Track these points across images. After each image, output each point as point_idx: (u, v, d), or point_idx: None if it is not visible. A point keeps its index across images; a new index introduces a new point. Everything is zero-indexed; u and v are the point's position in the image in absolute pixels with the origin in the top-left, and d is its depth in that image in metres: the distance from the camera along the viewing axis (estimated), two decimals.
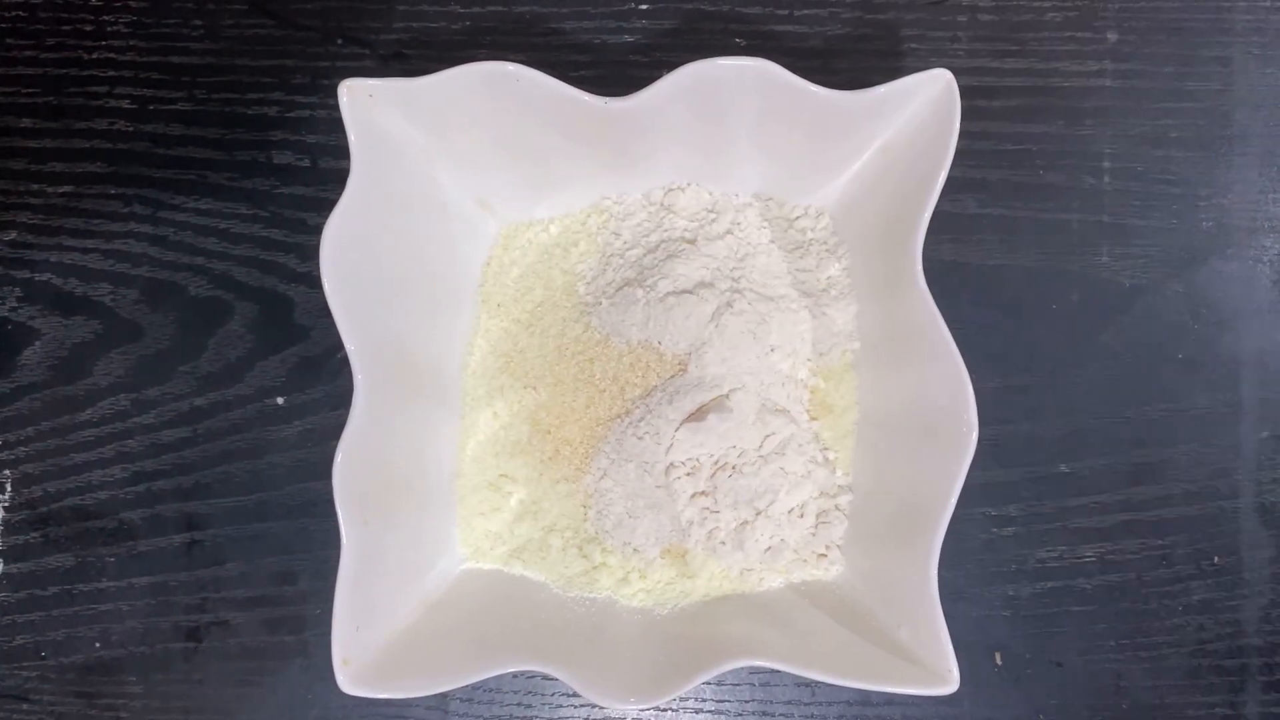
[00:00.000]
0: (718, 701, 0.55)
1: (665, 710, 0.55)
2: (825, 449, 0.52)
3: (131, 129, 0.57)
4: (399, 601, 0.47)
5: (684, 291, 0.51)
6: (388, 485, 0.46)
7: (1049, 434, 0.55)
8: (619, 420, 0.51)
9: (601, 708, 0.54)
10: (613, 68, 0.56)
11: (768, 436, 0.51)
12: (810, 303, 0.52)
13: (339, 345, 0.44)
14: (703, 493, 0.51)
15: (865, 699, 0.54)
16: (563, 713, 0.55)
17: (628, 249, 0.53)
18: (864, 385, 0.52)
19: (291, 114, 0.56)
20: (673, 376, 0.52)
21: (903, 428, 0.49)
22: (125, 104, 0.57)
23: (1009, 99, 0.56)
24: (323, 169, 0.56)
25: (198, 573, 0.55)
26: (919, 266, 0.45)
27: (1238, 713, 0.54)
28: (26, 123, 0.57)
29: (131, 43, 0.57)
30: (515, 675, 0.55)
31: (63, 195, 0.56)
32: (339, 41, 0.56)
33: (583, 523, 0.52)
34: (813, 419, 0.52)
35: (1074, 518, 0.55)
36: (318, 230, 0.43)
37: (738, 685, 0.55)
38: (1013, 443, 0.55)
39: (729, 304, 0.51)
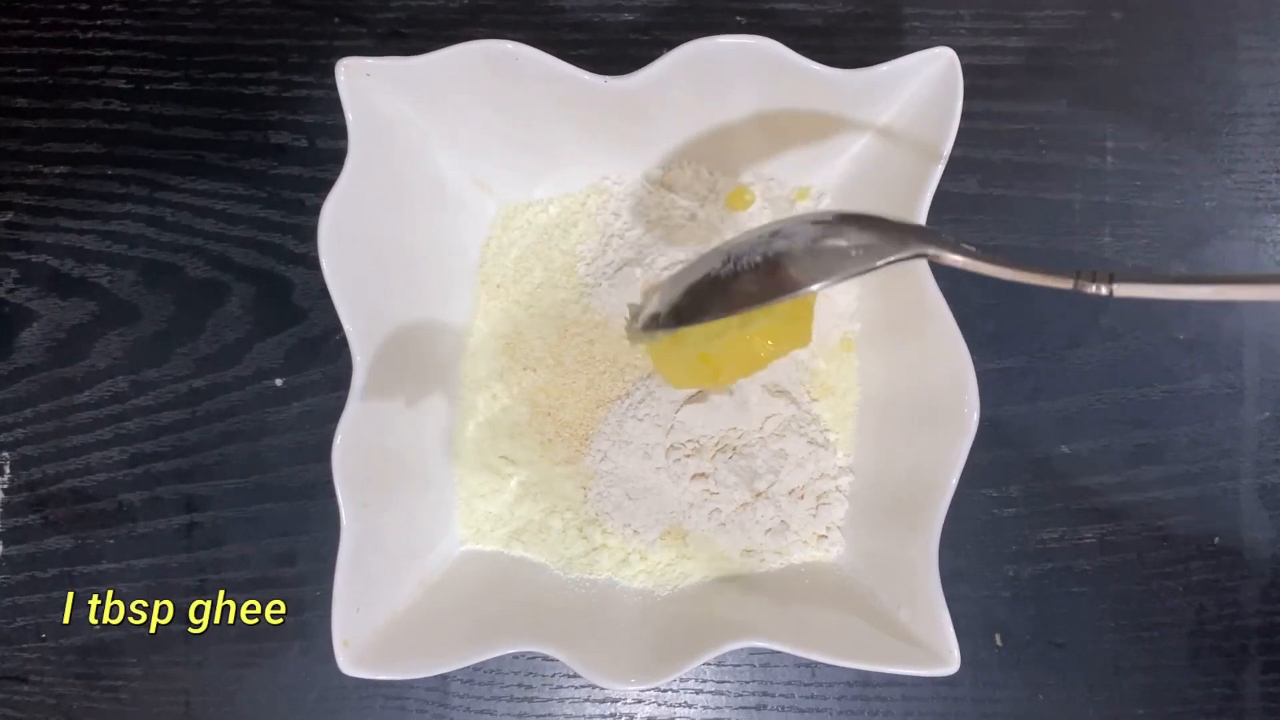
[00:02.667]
0: (718, 682, 0.55)
1: (666, 691, 0.55)
2: (826, 430, 0.52)
3: (128, 109, 0.56)
4: (399, 583, 0.47)
5: (678, 264, 0.51)
6: (387, 467, 0.46)
7: (1050, 415, 0.55)
8: (619, 402, 0.51)
9: (602, 688, 0.54)
10: (613, 46, 0.56)
11: (769, 418, 0.51)
12: None
13: (337, 326, 0.44)
14: (703, 474, 0.51)
15: (865, 680, 0.55)
16: (563, 693, 0.55)
17: (628, 229, 0.52)
18: (865, 367, 0.52)
19: (289, 93, 0.56)
20: None
21: (904, 409, 0.49)
22: (121, 84, 0.56)
23: (1012, 78, 0.56)
24: (320, 149, 0.56)
25: (197, 554, 0.55)
26: None
27: (1237, 693, 0.55)
28: (21, 102, 0.56)
29: (127, 21, 0.56)
30: (515, 656, 0.55)
31: (59, 176, 0.56)
32: (336, 20, 0.56)
33: (583, 504, 0.52)
34: (814, 400, 0.52)
35: (1075, 499, 0.55)
36: (316, 211, 0.43)
37: (738, 666, 0.55)
38: (1014, 423, 0.55)
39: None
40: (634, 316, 0.50)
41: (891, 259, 0.38)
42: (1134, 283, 0.35)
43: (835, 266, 0.38)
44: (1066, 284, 0.36)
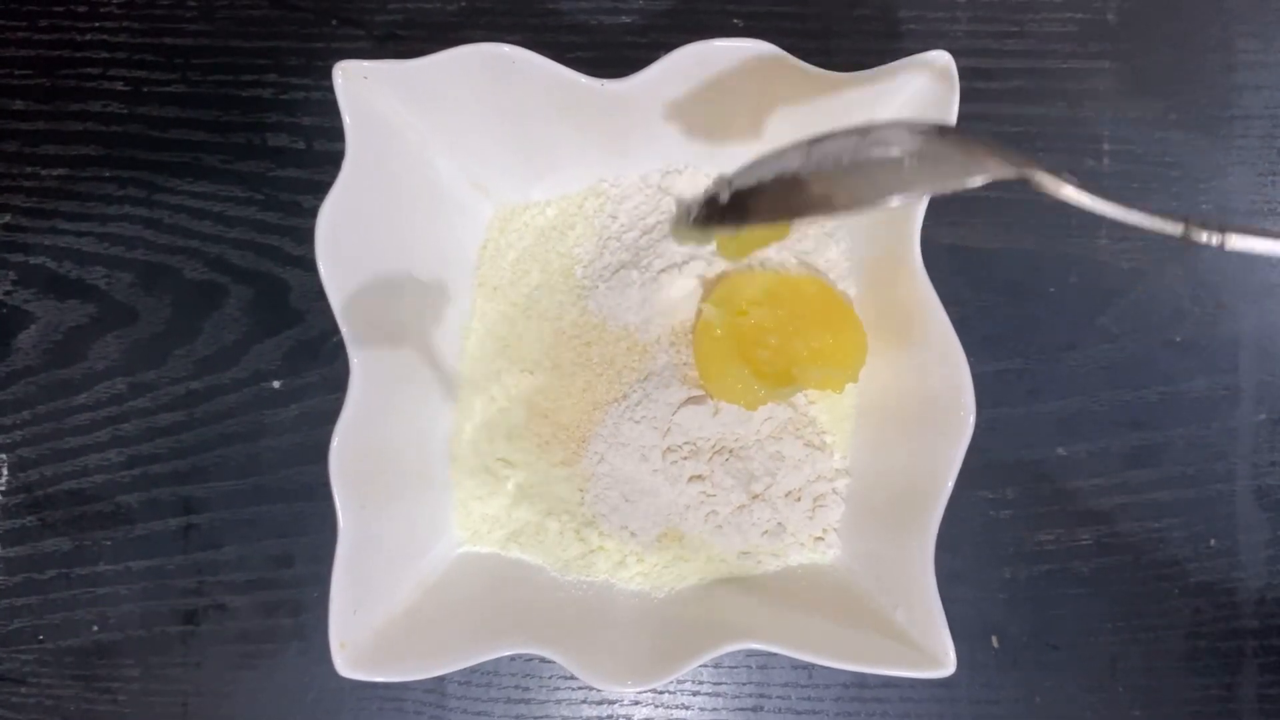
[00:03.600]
0: (715, 684, 0.55)
1: (663, 693, 0.55)
2: (823, 432, 0.52)
3: (125, 111, 0.56)
4: (396, 585, 0.47)
5: (673, 266, 0.51)
6: (384, 469, 0.46)
7: (1046, 417, 0.55)
8: (616, 404, 0.51)
9: (599, 690, 0.54)
10: (610, 49, 0.56)
11: (765, 420, 0.51)
12: None
13: (335, 329, 0.44)
14: (700, 476, 0.51)
15: (862, 681, 0.55)
16: (560, 695, 0.55)
17: (624, 232, 0.52)
18: (862, 368, 0.52)
19: (286, 96, 0.56)
20: (671, 360, 0.52)
21: (900, 411, 0.49)
22: (119, 86, 0.56)
23: (1008, 81, 0.56)
24: (318, 151, 0.56)
25: (194, 556, 0.55)
26: (917, 249, 0.45)
27: (1233, 694, 0.55)
28: (19, 105, 0.56)
29: (125, 24, 0.56)
30: (512, 658, 0.55)
31: (57, 178, 0.56)
32: (334, 22, 0.56)
33: (580, 506, 0.52)
34: (811, 403, 0.52)
35: (1071, 501, 0.55)
36: (313, 213, 0.43)
37: (735, 668, 0.55)
38: (1010, 425, 0.55)
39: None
40: (684, 212, 0.45)
41: (993, 177, 0.35)
42: (1248, 234, 0.33)
43: (928, 178, 0.35)
44: (1176, 230, 0.34)
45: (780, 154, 0.39)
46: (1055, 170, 0.35)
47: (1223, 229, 0.34)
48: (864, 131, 0.37)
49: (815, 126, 0.48)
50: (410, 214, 0.49)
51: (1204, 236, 0.34)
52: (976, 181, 0.35)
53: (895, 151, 0.36)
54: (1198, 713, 0.55)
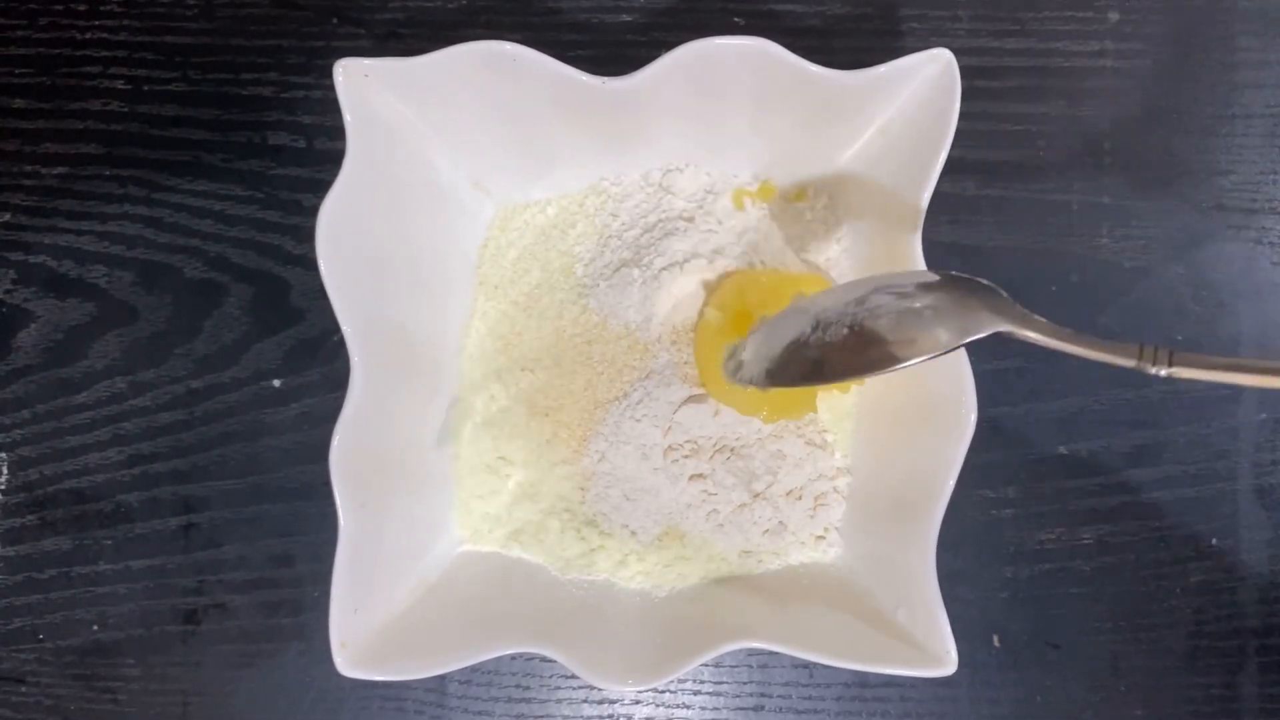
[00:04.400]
0: (716, 683, 0.55)
1: (664, 692, 0.55)
2: (824, 431, 0.52)
3: (126, 110, 0.56)
4: (397, 584, 0.47)
5: (675, 265, 0.51)
6: (385, 468, 0.46)
7: (1047, 415, 0.55)
8: (617, 402, 0.51)
9: (599, 689, 0.54)
10: (611, 47, 0.56)
11: None
12: None
13: (335, 327, 0.44)
14: (701, 475, 0.51)
15: (863, 680, 0.55)
16: (561, 694, 0.55)
17: (625, 230, 0.52)
18: None
19: (287, 94, 0.56)
20: (672, 358, 0.51)
21: (902, 410, 0.49)
22: (119, 84, 0.56)
23: (1009, 79, 0.56)
24: (318, 150, 0.56)
25: (195, 555, 0.55)
26: (919, 248, 0.45)
27: (1235, 694, 0.55)
28: (19, 103, 0.56)
29: (125, 22, 0.56)
30: (513, 657, 0.55)
31: (57, 177, 0.56)
32: (335, 21, 0.56)
33: (581, 505, 0.52)
34: None
35: (1072, 499, 0.55)
36: (314, 212, 0.43)
37: (736, 667, 0.55)
38: (1011, 424, 0.55)
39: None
40: (728, 357, 0.48)
41: (970, 339, 0.39)
42: (1192, 367, 0.36)
43: (916, 347, 0.39)
44: (1130, 363, 0.37)
45: (789, 319, 0.43)
46: (1024, 319, 0.39)
47: (1170, 360, 0.36)
48: (856, 295, 0.41)
49: (817, 124, 0.49)
50: (411, 212, 0.49)
51: (1152, 369, 0.36)
52: (957, 347, 0.39)
53: (883, 318, 0.40)
54: (1199, 712, 0.54)
